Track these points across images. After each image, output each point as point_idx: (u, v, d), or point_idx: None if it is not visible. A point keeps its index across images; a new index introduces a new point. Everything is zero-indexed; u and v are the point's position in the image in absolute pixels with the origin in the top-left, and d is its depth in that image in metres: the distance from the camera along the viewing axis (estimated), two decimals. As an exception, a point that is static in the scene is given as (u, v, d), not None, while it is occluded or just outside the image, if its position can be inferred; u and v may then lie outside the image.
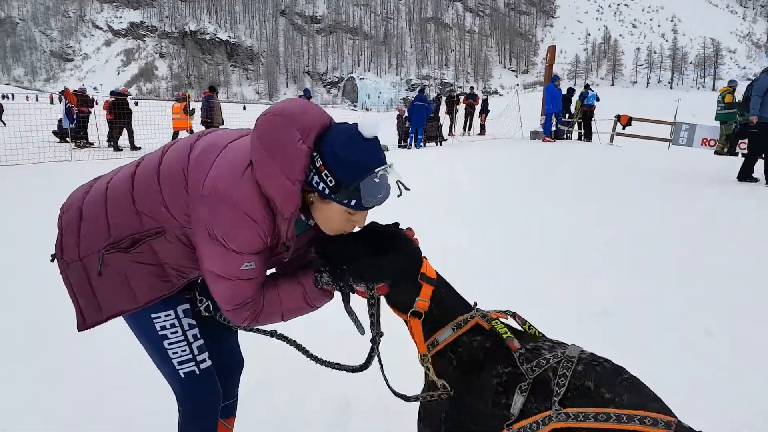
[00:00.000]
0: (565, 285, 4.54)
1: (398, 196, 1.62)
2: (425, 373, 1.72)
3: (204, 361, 1.84)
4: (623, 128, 18.88)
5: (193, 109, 18.24)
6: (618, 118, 18.89)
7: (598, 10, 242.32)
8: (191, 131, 17.28)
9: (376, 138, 1.58)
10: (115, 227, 1.68)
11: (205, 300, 1.91)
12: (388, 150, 17.99)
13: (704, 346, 3.47)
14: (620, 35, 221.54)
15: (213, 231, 1.54)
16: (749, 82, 12.53)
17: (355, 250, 1.68)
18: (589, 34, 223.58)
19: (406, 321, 1.74)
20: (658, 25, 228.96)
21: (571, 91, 18.84)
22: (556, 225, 6.65)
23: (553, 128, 17.47)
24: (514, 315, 1.74)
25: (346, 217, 1.63)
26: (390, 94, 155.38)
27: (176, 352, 1.80)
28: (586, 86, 18.85)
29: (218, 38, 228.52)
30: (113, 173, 1.82)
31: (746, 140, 10.59)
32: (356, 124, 1.58)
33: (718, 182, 9.28)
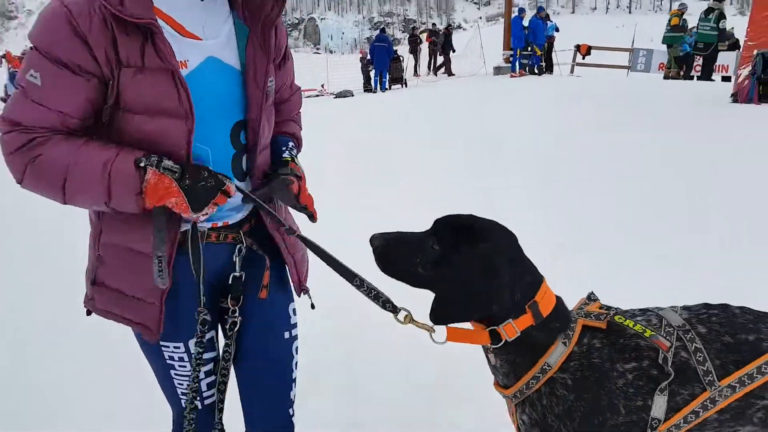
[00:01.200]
0: (535, 215, 4.68)
1: None
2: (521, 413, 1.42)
3: (211, 397, 1.57)
4: (583, 58, 19.17)
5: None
6: (577, 47, 19.12)
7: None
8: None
9: None
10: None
11: (238, 312, 1.51)
12: (353, 96, 18.05)
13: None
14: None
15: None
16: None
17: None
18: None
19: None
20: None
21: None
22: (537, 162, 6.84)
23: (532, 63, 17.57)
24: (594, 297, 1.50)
25: None
26: (353, 34, 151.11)
27: (181, 384, 1.54)
28: (546, 17, 18.92)
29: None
30: None
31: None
32: None
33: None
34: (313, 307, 1.64)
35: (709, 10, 14.83)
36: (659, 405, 1.31)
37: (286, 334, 1.60)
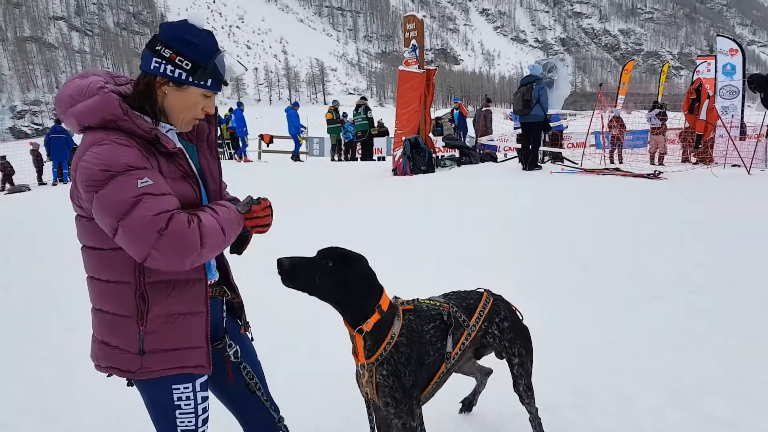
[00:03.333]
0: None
1: (245, 72, 1.86)
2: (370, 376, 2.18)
3: (203, 431, 1.95)
4: (267, 146, 21.38)
5: None
6: (261, 137, 21.28)
7: (212, 30, 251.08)
8: None
9: (208, 29, 1.82)
10: None
11: (234, 345, 2.00)
12: (29, 190, 16.46)
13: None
14: (237, 56, 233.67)
15: (89, 181, 1.62)
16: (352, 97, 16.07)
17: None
18: (238, 56, 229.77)
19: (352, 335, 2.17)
20: (270, 47, 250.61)
21: (218, 118, 20.36)
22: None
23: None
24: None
25: (201, 102, 1.82)
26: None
27: (183, 421, 1.88)
28: (231, 110, 20.65)
29: None
30: None
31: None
32: (185, 19, 1.79)
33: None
34: (252, 340, 2.18)
35: (358, 106, 18.76)
36: (450, 343, 2.33)
37: (257, 355, 2.19)
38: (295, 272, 2.03)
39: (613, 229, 6.25)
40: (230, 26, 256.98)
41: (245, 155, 19.72)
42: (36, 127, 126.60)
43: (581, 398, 3.23)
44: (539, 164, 11.60)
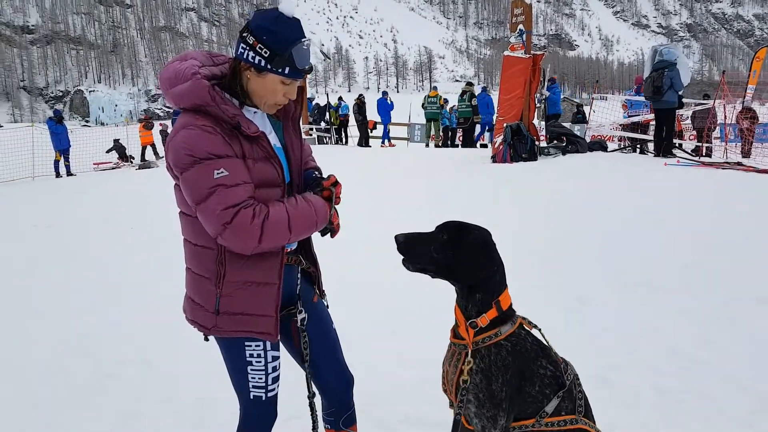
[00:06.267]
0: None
1: (325, 60, 2.07)
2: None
3: (273, 390, 2.04)
4: (370, 131, 21.78)
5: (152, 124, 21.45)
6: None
7: (327, 22, 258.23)
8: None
9: (296, 18, 1.86)
10: None
11: (303, 312, 2.08)
12: (158, 167, 17.99)
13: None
14: (350, 45, 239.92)
15: (177, 162, 1.79)
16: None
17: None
18: (323, 45, 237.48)
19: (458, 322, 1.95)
20: (381, 36, 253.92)
21: (328, 104, 21.01)
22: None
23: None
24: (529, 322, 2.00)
25: (281, 88, 1.88)
26: (128, 106, 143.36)
27: (254, 377, 1.99)
28: (340, 98, 21.29)
29: None
30: None
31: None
32: (276, 7, 1.85)
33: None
34: (327, 306, 2.26)
35: (463, 93, 18.50)
36: (553, 404, 1.88)
37: (332, 323, 2.25)
38: (411, 245, 1.93)
39: (720, 225, 5.78)
40: (345, 17, 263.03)
41: (388, 141, 20.71)
42: (167, 109, 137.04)
43: (663, 397, 3.08)
44: (673, 153, 11.15)
